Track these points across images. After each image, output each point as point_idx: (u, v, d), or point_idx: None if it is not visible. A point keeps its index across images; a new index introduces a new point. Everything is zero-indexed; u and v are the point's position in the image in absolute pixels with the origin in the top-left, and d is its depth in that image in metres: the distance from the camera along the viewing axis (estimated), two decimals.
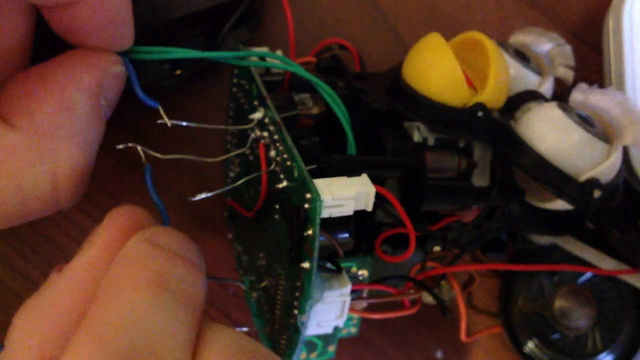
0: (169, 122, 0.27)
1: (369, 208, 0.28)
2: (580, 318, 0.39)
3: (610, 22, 0.39)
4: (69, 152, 0.22)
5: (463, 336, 0.38)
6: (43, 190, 0.22)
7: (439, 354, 0.42)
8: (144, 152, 0.26)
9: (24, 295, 0.38)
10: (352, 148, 0.31)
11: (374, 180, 0.28)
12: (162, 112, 0.26)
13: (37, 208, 0.22)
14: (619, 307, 0.39)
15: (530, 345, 0.40)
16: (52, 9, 0.23)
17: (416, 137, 0.32)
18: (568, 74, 0.36)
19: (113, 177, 0.39)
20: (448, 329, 0.39)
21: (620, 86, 0.38)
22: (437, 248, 0.35)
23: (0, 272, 0.39)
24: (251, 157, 0.33)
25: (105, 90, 0.24)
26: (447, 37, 0.33)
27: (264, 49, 0.35)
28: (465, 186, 0.32)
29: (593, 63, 0.41)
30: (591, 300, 0.39)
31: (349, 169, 0.29)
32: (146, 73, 0.35)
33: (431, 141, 0.32)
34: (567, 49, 0.37)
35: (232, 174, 0.37)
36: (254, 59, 0.33)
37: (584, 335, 0.39)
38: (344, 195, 0.27)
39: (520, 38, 0.38)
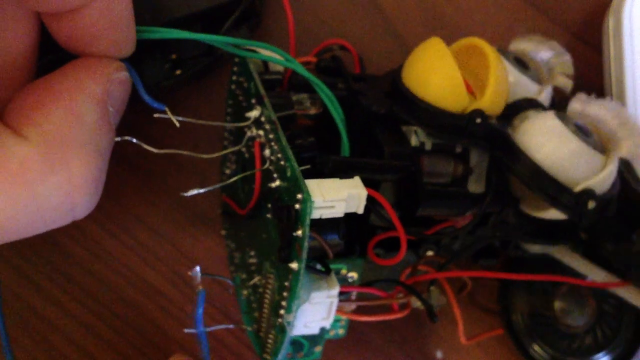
0: (177, 123, 0.27)
1: (360, 211, 0.28)
2: (580, 317, 0.39)
3: (610, 22, 0.39)
4: (81, 160, 0.22)
5: (462, 339, 0.37)
6: (58, 200, 0.22)
7: (439, 354, 0.42)
8: (140, 145, 0.26)
9: (24, 296, 0.39)
10: (345, 149, 0.31)
11: (370, 182, 0.29)
12: (169, 114, 0.27)
13: (52, 218, 0.22)
14: (619, 304, 0.38)
15: (531, 345, 0.40)
16: (55, 16, 0.23)
17: (413, 141, 0.32)
18: (567, 83, 0.36)
19: (111, 176, 0.39)
20: (449, 329, 0.39)
21: (620, 86, 0.38)
22: (430, 253, 0.35)
23: (1, 272, 0.39)
24: (247, 155, 0.33)
25: (111, 97, 0.24)
26: (447, 37, 0.33)
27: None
28: (460, 192, 0.32)
29: (593, 63, 0.41)
30: (591, 299, 0.39)
31: (345, 171, 0.29)
32: (146, 73, 0.36)
33: (428, 146, 0.32)
34: (567, 58, 0.37)
35: (228, 171, 0.38)
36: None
37: (585, 334, 0.39)
38: (335, 197, 0.27)
39: (520, 45, 0.38)
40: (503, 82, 0.32)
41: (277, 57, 0.31)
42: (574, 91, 0.35)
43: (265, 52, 0.32)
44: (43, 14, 0.23)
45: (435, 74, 0.31)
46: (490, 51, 0.32)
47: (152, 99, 0.26)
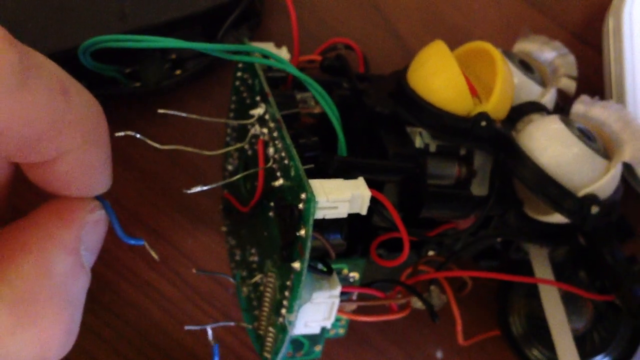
0: (156, 257, 0.27)
1: (364, 212, 0.28)
2: (578, 320, 0.39)
3: (610, 22, 0.39)
4: (51, 313, 0.22)
5: (460, 340, 0.37)
6: (30, 354, 0.22)
7: (439, 354, 0.42)
8: (141, 146, 0.26)
9: None
10: (342, 148, 0.31)
11: (374, 183, 0.28)
12: (148, 247, 0.26)
13: None
14: (616, 307, 0.38)
15: (528, 347, 0.40)
16: (31, 164, 0.23)
17: (418, 142, 0.32)
18: (571, 85, 0.36)
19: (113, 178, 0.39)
20: (449, 329, 0.39)
21: (620, 86, 0.38)
22: (431, 253, 0.35)
23: None
24: (250, 152, 0.33)
25: (85, 241, 0.24)
26: (447, 37, 0.33)
27: (269, 45, 0.35)
28: (464, 194, 0.32)
29: (593, 63, 0.41)
30: (588, 302, 0.39)
31: (350, 171, 0.29)
32: (146, 73, 0.36)
33: (433, 147, 0.32)
34: (571, 58, 0.37)
35: (230, 167, 0.38)
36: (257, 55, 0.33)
37: (583, 336, 0.39)
38: (339, 197, 0.27)
39: (524, 46, 0.38)
40: (509, 87, 0.32)
41: (272, 59, 0.32)
42: (576, 92, 0.35)
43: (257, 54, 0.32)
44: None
45: (438, 78, 0.31)
46: (498, 56, 0.32)
47: (127, 236, 0.26)
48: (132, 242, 0.26)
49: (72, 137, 0.22)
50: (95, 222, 0.24)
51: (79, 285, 0.23)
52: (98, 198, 0.25)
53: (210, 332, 0.29)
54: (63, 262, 0.23)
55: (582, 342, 0.39)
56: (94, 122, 0.23)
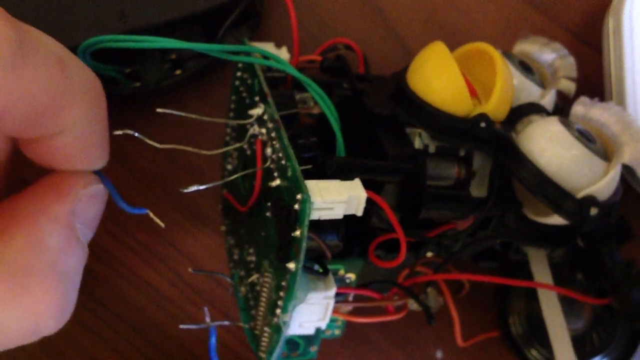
0: (161, 224, 0.26)
1: (359, 213, 0.28)
2: (577, 320, 0.39)
3: (610, 23, 0.39)
4: (44, 287, 0.22)
5: (459, 341, 0.37)
6: (22, 326, 0.22)
7: (439, 354, 0.42)
8: (140, 146, 0.26)
9: None
10: (340, 148, 0.31)
11: (373, 184, 0.28)
12: (152, 215, 0.26)
13: (17, 340, 0.22)
14: (615, 308, 0.38)
15: (528, 348, 0.40)
16: (29, 140, 0.23)
17: (417, 143, 0.32)
18: (570, 86, 0.36)
19: (111, 177, 0.39)
20: (449, 329, 0.39)
21: (620, 86, 0.38)
22: (429, 254, 0.35)
23: None
24: (248, 152, 0.33)
25: (80, 215, 0.24)
26: (447, 37, 0.33)
27: (269, 45, 0.35)
28: (463, 195, 0.32)
29: (593, 63, 0.41)
30: (587, 303, 0.39)
31: (348, 172, 0.29)
32: (146, 73, 0.36)
33: (432, 148, 0.32)
34: (570, 60, 0.37)
35: (229, 167, 0.38)
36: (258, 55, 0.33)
37: (582, 337, 0.39)
38: (335, 198, 0.27)
39: (524, 47, 0.38)
40: (509, 88, 0.32)
41: (271, 59, 0.32)
42: (576, 92, 0.35)
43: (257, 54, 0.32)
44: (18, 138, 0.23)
45: (438, 79, 0.31)
46: (497, 57, 0.31)
47: (129, 206, 0.26)
48: (136, 211, 0.26)
49: (72, 112, 0.22)
50: (91, 196, 0.24)
51: (74, 259, 0.23)
52: (97, 173, 0.25)
53: (207, 311, 0.29)
54: (56, 236, 0.22)
55: (581, 342, 0.39)
56: (93, 97, 0.23)
